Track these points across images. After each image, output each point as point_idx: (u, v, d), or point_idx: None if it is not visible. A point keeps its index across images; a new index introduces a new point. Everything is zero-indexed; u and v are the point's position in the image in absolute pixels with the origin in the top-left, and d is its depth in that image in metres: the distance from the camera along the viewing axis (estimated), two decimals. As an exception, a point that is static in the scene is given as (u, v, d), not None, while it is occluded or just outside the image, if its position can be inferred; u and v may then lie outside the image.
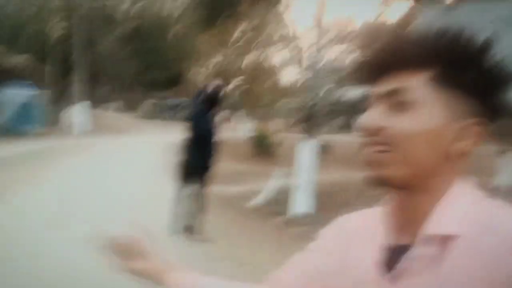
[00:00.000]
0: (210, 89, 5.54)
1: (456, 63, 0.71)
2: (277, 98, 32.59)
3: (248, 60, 30.25)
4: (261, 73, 29.77)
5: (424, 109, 0.71)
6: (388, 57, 0.74)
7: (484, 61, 0.71)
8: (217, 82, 5.72)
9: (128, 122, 23.61)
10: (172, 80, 32.76)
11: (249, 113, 24.19)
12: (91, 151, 13.51)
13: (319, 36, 7.38)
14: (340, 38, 29.60)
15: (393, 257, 0.73)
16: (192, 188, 5.43)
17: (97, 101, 26.10)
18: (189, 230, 5.40)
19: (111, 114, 26.68)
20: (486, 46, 0.71)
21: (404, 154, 0.71)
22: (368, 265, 0.76)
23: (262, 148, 13.09)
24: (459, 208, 0.70)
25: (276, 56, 32.22)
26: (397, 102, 0.72)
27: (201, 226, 5.44)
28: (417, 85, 0.71)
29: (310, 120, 7.05)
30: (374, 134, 0.73)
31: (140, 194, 7.63)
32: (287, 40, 29.78)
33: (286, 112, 31.60)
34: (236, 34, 28.38)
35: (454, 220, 0.68)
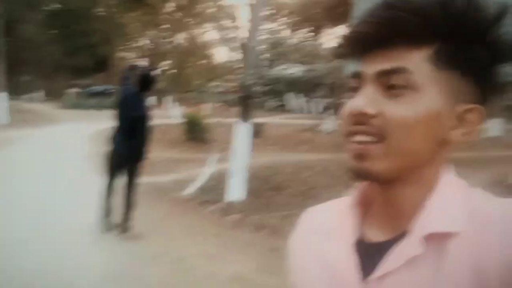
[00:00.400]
0: (140, 69, 5.10)
1: (462, 37, 0.62)
2: (209, 80, 32.21)
3: (177, 41, 29.56)
4: (191, 55, 29.21)
5: (422, 93, 0.63)
6: (383, 29, 0.63)
7: (491, 35, 0.62)
8: (145, 62, 5.35)
9: (50, 113, 22.32)
10: (97, 66, 31.39)
11: (179, 97, 23.67)
12: (7, 146, 12.63)
13: (255, 12, 7.15)
14: (276, 14, 29.56)
15: (371, 255, 0.68)
16: (122, 180, 5.07)
17: (16, 92, 24.58)
18: (121, 226, 5.06)
19: (31, 105, 25.18)
20: (499, 17, 0.62)
21: (398, 145, 0.63)
22: (344, 266, 0.70)
23: (194, 134, 12.80)
24: (454, 202, 0.65)
25: (207, 35, 31.68)
26: (392, 85, 0.64)
27: (133, 222, 5.11)
28: (416, 64, 0.63)
29: (245, 101, 6.87)
30: (363, 122, 0.64)
31: (65, 190, 7.14)
32: (219, 18, 29.34)
33: (218, 95, 31.31)
34: (166, 11, 27.54)
35: (453, 216, 0.63)
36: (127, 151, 4.98)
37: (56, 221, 5.42)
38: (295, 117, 23.07)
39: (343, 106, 0.68)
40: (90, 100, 25.95)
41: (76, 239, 4.91)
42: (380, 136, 0.63)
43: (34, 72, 31.39)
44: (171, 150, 11.61)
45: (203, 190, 7.12)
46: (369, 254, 0.68)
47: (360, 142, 0.64)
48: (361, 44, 0.66)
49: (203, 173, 7.68)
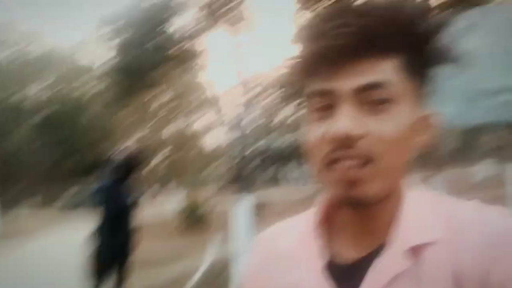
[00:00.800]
0: (121, 156, 4.65)
1: (423, 45, 0.63)
2: (205, 164, 32.77)
3: (170, 130, 30.41)
4: (185, 142, 29.87)
5: (400, 105, 0.62)
6: (357, 38, 0.59)
7: (436, 42, 0.64)
8: (129, 147, 4.94)
9: (45, 219, 21.95)
10: (95, 164, 31.57)
11: (178, 183, 23.66)
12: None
13: (245, 92, 7.19)
14: (266, 90, 30.63)
15: (347, 276, 0.64)
16: (110, 284, 4.44)
17: (9, 201, 24.40)
18: None
19: (25, 213, 24.84)
20: (442, 26, 0.64)
21: (388, 164, 0.61)
22: None
23: (194, 219, 12.37)
24: (428, 211, 0.64)
25: (199, 121, 32.66)
26: (372, 101, 0.61)
27: None
28: (391, 75, 0.61)
29: (240, 176, 6.62)
30: (349, 146, 0.60)
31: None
32: (209, 103, 30.22)
33: (216, 177, 31.80)
34: (155, 106, 28.60)
35: (430, 226, 0.62)
36: (113, 249, 4.45)
37: None
38: (291, 188, 23.05)
39: (313, 131, 0.63)
40: (90, 198, 25.79)
41: None
42: (367, 158, 0.60)
43: (29, 178, 31.51)
44: (171, 240, 11.10)
45: (207, 280, 6.51)
46: (344, 276, 0.64)
47: (347, 168, 0.60)
48: (330, 58, 0.60)
49: (205, 261, 7.14)
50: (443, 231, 0.61)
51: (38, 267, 10.44)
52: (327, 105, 0.62)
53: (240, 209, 6.32)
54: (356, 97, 0.60)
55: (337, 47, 0.59)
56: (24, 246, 13.93)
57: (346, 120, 0.59)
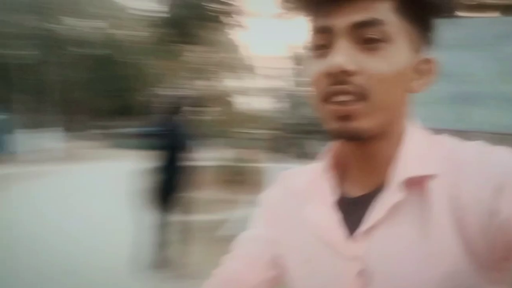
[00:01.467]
0: (171, 98, 4.98)
1: None
2: (246, 125, 32.49)
3: (212, 88, 30.30)
4: (224, 101, 29.77)
5: (395, 45, 0.62)
6: None
7: None
8: (179, 92, 5.25)
9: (96, 151, 22.99)
10: (137, 107, 32.49)
11: (221, 140, 24.07)
12: (57, 178, 13.14)
13: (292, 60, 7.40)
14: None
15: (354, 211, 0.67)
16: (163, 217, 5.00)
17: (69, 129, 25.55)
18: (162, 264, 4.99)
19: (80, 142, 26.02)
20: None
21: (380, 101, 0.62)
22: (327, 225, 0.68)
23: (235, 176, 12.99)
24: (426, 148, 0.65)
25: (240, 83, 32.32)
26: (367, 39, 0.61)
27: (176, 259, 5.07)
28: (386, 15, 0.61)
29: (278, 143, 7.02)
30: (344, 81, 0.61)
31: (104, 226, 7.33)
32: (251, 68, 29.78)
33: (258, 140, 31.43)
34: (199, 61, 28.42)
35: (428, 160, 0.63)
36: (169, 187, 4.91)
37: (92, 258, 5.56)
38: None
39: (312, 67, 0.64)
40: (136, 138, 26.51)
41: (116, 278, 4.95)
42: (362, 94, 0.61)
43: (84, 112, 32.65)
44: (212, 190, 11.76)
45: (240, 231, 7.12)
46: (352, 210, 0.67)
47: (342, 103, 0.61)
48: None
49: (240, 214, 7.75)
50: (444, 166, 0.62)
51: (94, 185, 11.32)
52: (327, 43, 0.62)
53: (275, 171, 6.87)
54: (352, 34, 0.60)
55: None
56: (84, 169, 14.81)
57: (341, 56, 0.60)
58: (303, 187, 0.74)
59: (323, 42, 0.63)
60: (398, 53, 0.62)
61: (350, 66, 0.60)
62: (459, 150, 0.63)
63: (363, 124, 0.62)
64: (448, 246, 0.58)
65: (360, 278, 0.64)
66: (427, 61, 0.66)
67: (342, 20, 0.61)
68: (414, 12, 0.62)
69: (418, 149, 0.65)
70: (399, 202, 0.62)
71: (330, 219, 0.68)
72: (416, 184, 0.62)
